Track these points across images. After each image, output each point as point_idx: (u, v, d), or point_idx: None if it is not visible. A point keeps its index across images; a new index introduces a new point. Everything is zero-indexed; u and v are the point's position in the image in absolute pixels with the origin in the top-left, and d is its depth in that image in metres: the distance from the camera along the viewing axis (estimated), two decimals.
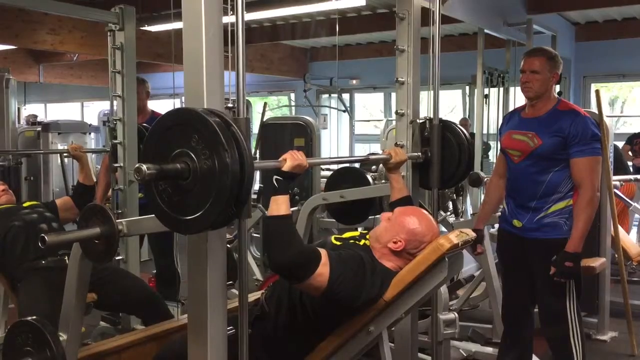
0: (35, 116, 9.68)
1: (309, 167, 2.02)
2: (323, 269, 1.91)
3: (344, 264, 1.98)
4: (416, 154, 2.72)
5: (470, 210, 6.07)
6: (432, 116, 2.76)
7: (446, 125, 2.77)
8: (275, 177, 1.92)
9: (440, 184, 2.80)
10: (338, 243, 2.23)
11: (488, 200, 3.11)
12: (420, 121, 2.77)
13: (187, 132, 1.49)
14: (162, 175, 1.48)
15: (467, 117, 9.01)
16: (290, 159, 1.91)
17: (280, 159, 1.92)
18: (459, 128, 2.79)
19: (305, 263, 1.90)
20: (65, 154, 4.82)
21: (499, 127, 3.18)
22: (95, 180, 3.84)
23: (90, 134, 7.36)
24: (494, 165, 3.31)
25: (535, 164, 2.79)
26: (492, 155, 6.99)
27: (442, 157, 2.74)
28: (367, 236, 2.25)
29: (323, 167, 5.78)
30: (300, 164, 1.91)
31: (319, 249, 1.99)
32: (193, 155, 1.48)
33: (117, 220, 1.77)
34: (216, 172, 1.45)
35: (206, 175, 1.46)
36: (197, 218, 1.48)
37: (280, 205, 1.91)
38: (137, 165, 1.46)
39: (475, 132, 6.27)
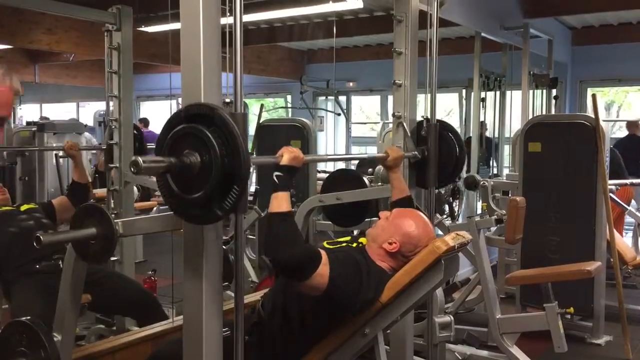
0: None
1: (306, 163, 2.04)
2: (323, 269, 1.91)
3: (342, 264, 1.98)
4: (413, 152, 2.71)
5: (466, 214, 6.07)
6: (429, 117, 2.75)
7: (443, 124, 2.76)
8: (275, 173, 1.92)
9: (437, 183, 2.76)
10: (331, 247, 2.23)
11: None
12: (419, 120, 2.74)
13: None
14: (172, 168, 1.53)
15: (463, 120, 9.02)
16: (287, 153, 1.95)
17: (277, 154, 1.95)
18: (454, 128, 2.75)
19: (308, 262, 1.89)
20: (60, 154, 4.81)
21: None
22: (90, 179, 3.83)
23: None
24: None
25: None
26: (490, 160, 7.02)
27: (439, 156, 2.70)
28: (360, 239, 2.25)
29: (319, 169, 5.77)
30: (297, 156, 1.96)
31: (319, 249, 1.99)
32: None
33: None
34: (213, 164, 1.50)
35: (206, 164, 1.51)
36: (200, 196, 1.52)
37: (281, 202, 1.90)
38: (133, 158, 1.48)
39: (472, 135, 6.28)
